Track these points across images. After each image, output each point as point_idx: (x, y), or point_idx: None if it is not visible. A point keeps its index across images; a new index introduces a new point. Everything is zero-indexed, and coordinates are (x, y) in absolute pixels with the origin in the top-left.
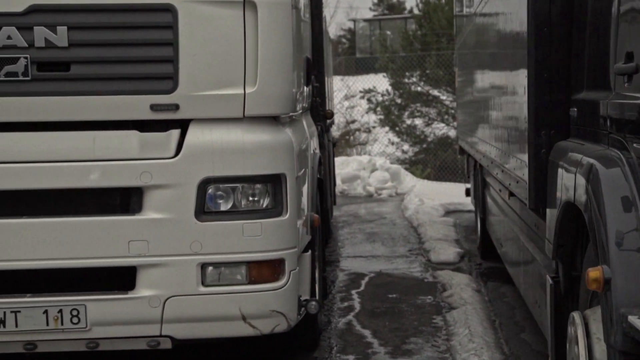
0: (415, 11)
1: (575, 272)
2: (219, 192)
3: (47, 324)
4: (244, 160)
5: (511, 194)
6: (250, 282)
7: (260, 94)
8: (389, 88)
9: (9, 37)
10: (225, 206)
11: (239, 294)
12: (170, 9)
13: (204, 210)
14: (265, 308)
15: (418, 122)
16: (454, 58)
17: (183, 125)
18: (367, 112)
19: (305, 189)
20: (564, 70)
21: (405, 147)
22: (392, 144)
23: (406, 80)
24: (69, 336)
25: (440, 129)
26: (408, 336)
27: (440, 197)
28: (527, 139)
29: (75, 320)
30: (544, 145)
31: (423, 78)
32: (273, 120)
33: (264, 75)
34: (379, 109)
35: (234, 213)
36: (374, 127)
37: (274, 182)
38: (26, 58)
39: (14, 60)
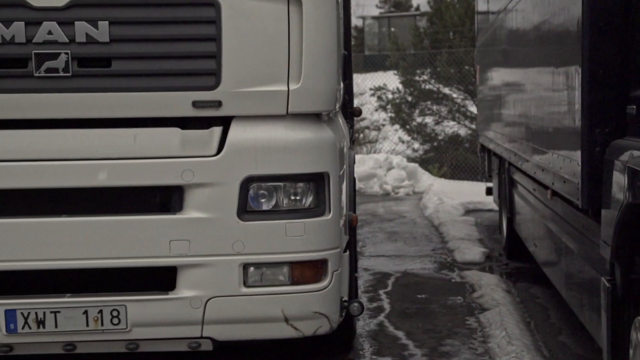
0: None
1: (634, 274)
2: (262, 191)
3: (87, 325)
4: (287, 159)
5: (554, 194)
6: (293, 283)
7: (304, 90)
8: (400, 86)
9: (49, 33)
10: (267, 205)
11: (281, 295)
12: (213, 4)
13: (246, 210)
14: (308, 309)
15: (428, 120)
16: (474, 55)
17: (224, 123)
18: (376, 110)
19: (344, 187)
20: (620, 66)
21: (416, 145)
22: (403, 142)
23: (417, 78)
24: (109, 337)
25: (450, 127)
26: (443, 338)
27: (459, 196)
28: (581, 137)
29: (115, 321)
30: (598, 144)
31: (434, 76)
32: (315, 117)
33: (308, 71)
34: (389, 106)
35: (277, 212)
36: (383, 125)
37: (316, 181)
38: (67, 54)
39: (55, 56)
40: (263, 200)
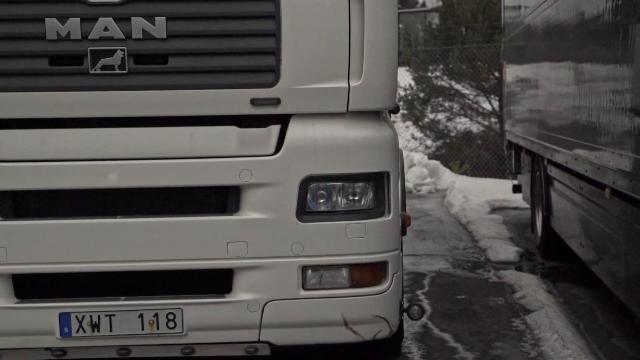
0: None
1: None
2: (321, 191)
3: (142, 329)
4: (348, 158)
5: (613, 193)
6: (352, 286)
7: (365, 87)
8: (412, 82)
9: (105, 29)
10: (327, 206)
11: (340, 298)
12: None
13: (305, 210)
14: (368, 313)
15: (440, 116)
16: (501, 51)
17: (281, 121)
18: None
19: (399, 187)
20: None
21: (429, 142)
22: (415, 138)
23: (429, 74)
24: (165, 341)
25: (463, 123)
26: (492, 340)
27: (484, 194)
28: None
29: (171, 324)
30: None
31: (446, 72)
32: (375, 115)
33: (370, 67)
34: (401, 103)
35: (337, 213)
36: (394, 122)
37: (376, 181)
38: (123, 50)
39: (111, 53)
40: (322, 200)
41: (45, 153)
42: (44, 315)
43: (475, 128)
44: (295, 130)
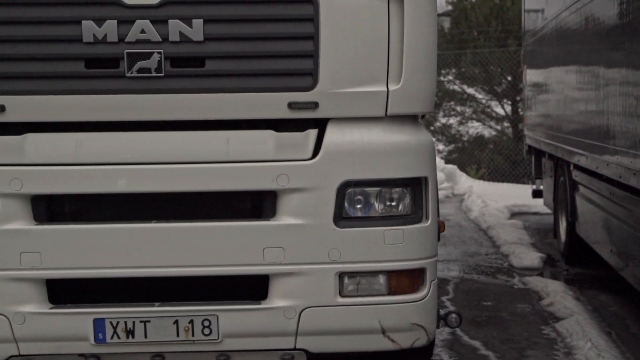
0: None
1: None
2: (358, 197)
3: (177, 335)
4: (386, 163)
5: None
6: (390, 293)
7: (404, 91)
8: None
9: (142, 31)
10: (364, 211)
11: (378, 305)
12: (311, 1)
13: (342, 216)
14: (406, 321)
15: (452, 121)
16: (521, 55)
17: (318, 125)
18: None
19: (437, 192)
20: None
21: (441, 146)
22: None
23: (441, 78)
24: (200, 348)
25: (475, 127)
26: (523, 348)
27: (502, 199)
28: None
29: (206, 331)
30: None
31: (458, 76)
32: (413, 119)
33: (409, 71)
34: None
35: (375, 219)
36: None
37: (415, 186)
38: (160, 53)
39: (147, 56)
40: (359, 206)
41: (81, 157)
42: (78, 321)
43: (487, 132)
44: (333, 134)
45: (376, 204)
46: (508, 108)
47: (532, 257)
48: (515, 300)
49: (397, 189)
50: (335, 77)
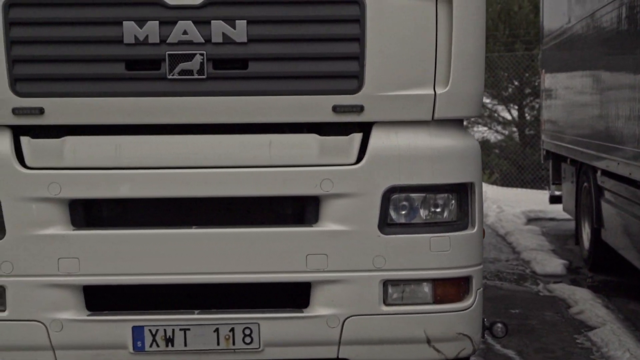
0: None
1: None
2: (403, 202)
3: (218, 344)
4: (433, 168)
5: None
6: (436, 302)
7: (452, 94)
8: None
9: (184, 33)
10: (410, 218)
11: (423, 314)
12: (358, 2)
13: (387, 222)
14: (452, 330)
15: None
16: (539, 59)
17: (362, 129)
18: None
19: (482, 198)
20: None
21: None
22: None
23: None
24: (240, 357)
25: (481, 132)
26: (559, 358)
27: (517, 204)
28: None
29: (247, 340)
30: None
31: None
32: (458, 123)
33: (457, 74)
34: None
35: (420, 226)
36: None
37: (461, 192)
38: (202, 55)
39: (189, 57)
40: (404, 212)
41: (120, 160)
42: (116, 329)
43: (493, 137)
44: (378, 138)
45: (421, 210)
46: (515, 113)
47: (554, 264)
48: (543, 308)
49: (443, 195)
50: (381, 79)
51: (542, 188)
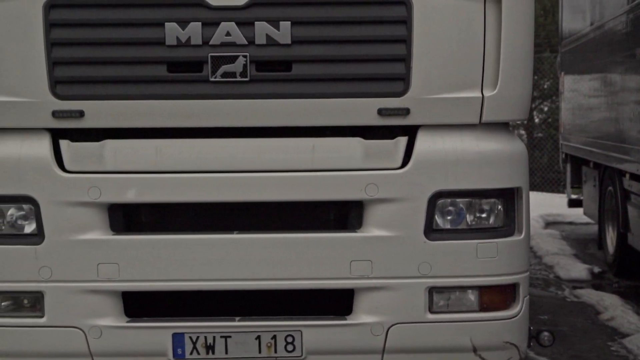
0: None
1: None
2: (449, 208)
3: (260, 351)
4: (480, 172)
5: None
6: (482, 310)
7: (500, 97)
8: None
9: (227, 34)
10: (456, 223)
11: (469, 322)
12: (404, 2)
13: (432, 228)
14: (498, 339)
15: None
16: (557, 61)
17: (406, 132)
18: None
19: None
20: None
21: None
22: None
23: None
24: None
25: None
26: None
27: (534, 208)
28: None
29: (290, 347)
30: None
31: None
32: (505, 126)
33: (506, 76)
34: None
35: (467, 232)
36: None
37: (508, 197)
38: (245, 57)
39: (232, 59)
40: (450, 217)
41: (161, 164)
42: (156, 336)
43: None
44: (424, 142)
45: (468, 216)
46: None
47: (579, 269)
48: (572, 314)
49: (490, 200)
50: (427, 82)
51: (552, 191)
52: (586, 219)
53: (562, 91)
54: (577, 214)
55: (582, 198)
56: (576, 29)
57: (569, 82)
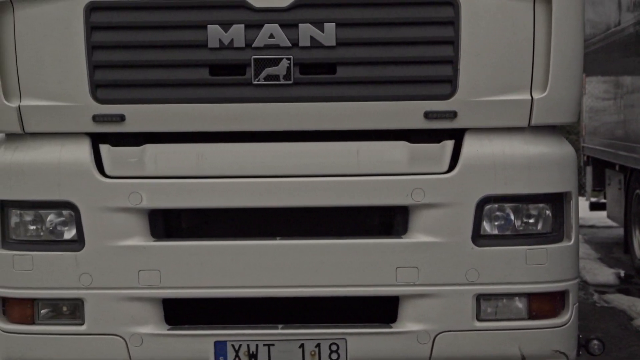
0: None
1: None
2: (498, 213)
3: (303, 359)
4: (529, 177)
5: None
6: (531, 318)
7: (550, 100)
8: None
9: (271, 36)
10: (503, 229)
11: (518, 330)
12: (452, 3)
13: (480, 234)
14: (547, 347)
15: None
16: None
17: (452, 135)
18: None
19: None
20: None
21: None
22: None
23: None
24: None
25: None
26: None
27: None
28: None
29: (334, 356)
30: None
31: None
32: (553, 129)
33: (557, 77)
34: None
35: (515, 237)
36: None
37: (558, 202)
38: (289, 59)
39: (276, 62)
40: (498, 223)
41: (202, 169)
42: (197, 344)
43: None
44: (471, 146)
45: (516, 221)
46: None
47: (606, 273)
48: (604, 320)
49: (539, 205)
50: (475, 84)
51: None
52: (608, 222)
53: (584, 93)
54: (598, 217)
55: (603, 201)
56: (600, 30)
57: (592, 84)
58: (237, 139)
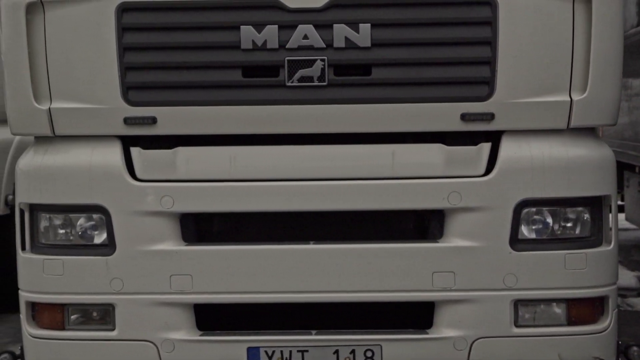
0: None
1: None
2: (536, 217)
3: None
4: (568, 180)
5: None
6: (570, 324)
7: (590, 101)
8: None
9: (305, 37)
10: (542, 233)
11: (557, 337)
12: (489, 3)
13: (518, 238)
14: (587, 354)
15: None
16: None
17: (489, 138)
18: None
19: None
20: None
21: None
22: None
23: None
24: None
25: None
26: None
27: None
28: None
29: None
30: None
31: None
32: (592, 131)
33: (596, 78)
34: None
35: (554, 242)
36: None
37: (597, 205)
38: (323, 60)
39: (310, 63)
40: (536, 227)
41: (235, 172)
42: (230, 350)
43: None
44: (509, 148)
45: (554, 225)
46: None
47: (627, 277)
48: (628, 324)
49: (578, 209)
50: (513, 85)
51: None
52: (626, 225)
53: None
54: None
55: (622, 203)
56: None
57: None
58: (270, 141)
